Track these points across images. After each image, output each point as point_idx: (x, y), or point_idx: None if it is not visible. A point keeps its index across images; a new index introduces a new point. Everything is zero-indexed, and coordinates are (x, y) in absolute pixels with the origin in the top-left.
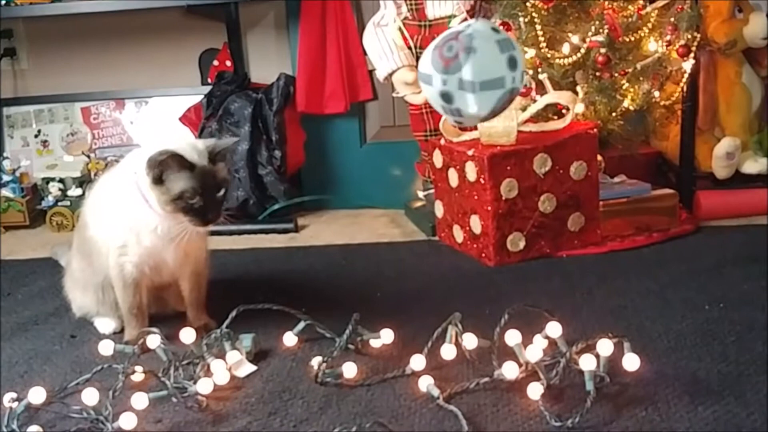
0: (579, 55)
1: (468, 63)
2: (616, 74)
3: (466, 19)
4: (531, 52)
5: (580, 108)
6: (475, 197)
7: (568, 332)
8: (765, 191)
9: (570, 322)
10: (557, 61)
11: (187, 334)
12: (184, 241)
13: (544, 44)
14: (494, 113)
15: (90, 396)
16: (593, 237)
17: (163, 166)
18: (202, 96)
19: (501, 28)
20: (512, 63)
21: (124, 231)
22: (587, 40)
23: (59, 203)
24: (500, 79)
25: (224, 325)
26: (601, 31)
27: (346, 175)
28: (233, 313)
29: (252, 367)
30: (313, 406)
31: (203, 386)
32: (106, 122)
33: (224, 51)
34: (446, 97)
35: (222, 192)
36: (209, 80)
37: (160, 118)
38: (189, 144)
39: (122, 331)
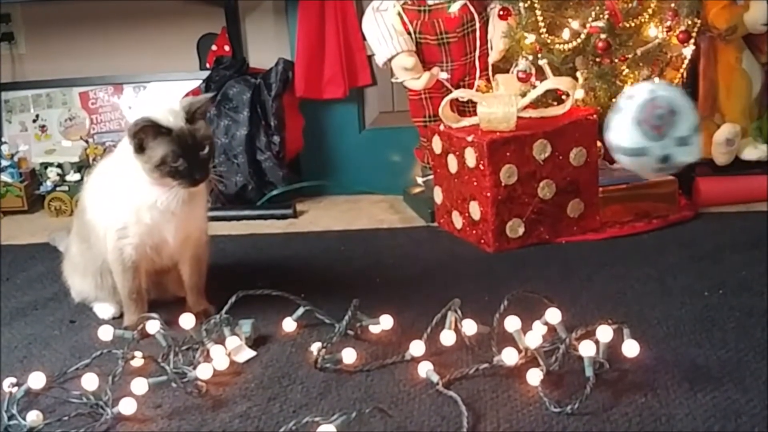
0: (579, 40)
1: (679, 121)
2: (616, 60)
3: (466, 5)
4: (531, 38)
5: (579, 94)
6: (475, 183)
7: (568, 318)
8: (764, 178)
9: (569, 309)
10: (557, 46)
11: (186, 319)
12: (190, 217)
13: (544, 30)
14: None
15: (89, 381)
16: (593, 223)
17: (140, 135)
18: (201, 81)
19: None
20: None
21: (124, 212)
22: (587, 25)
23: (58, 188)
24: (697, 124)
25: (224, 310)
26: (601, 16)
27: (345, 160)
28: (233, 299)
29: (251, 353)
30: (313, 392)
31: (203, 371)
32: (105, 107)
33: (222, 36)
34: (665, 159)
35: (206, 150)
36: (207, 65)
37: (158, 103)
38: (166, 109)
39: (121, 316)
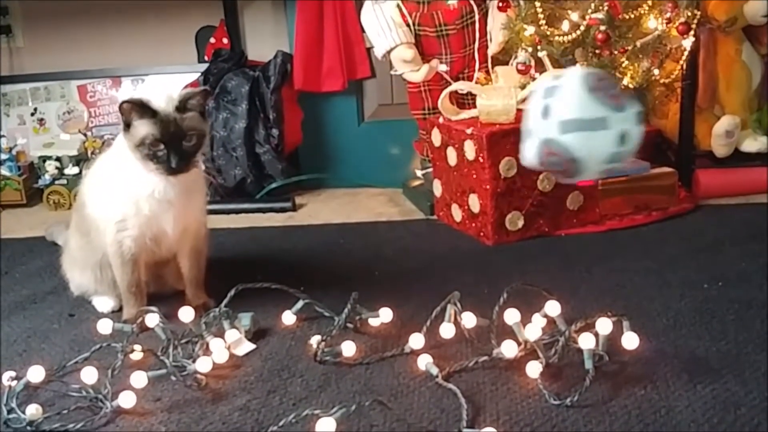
0: (578, 32)
1: (579, 171)
2: (616, 52)
3: None
4: (530, 30)
5: None
6: (474, 176)
7: (567, 311)
8: (764, 170)
9: (569, 301)
10: (557, 38)
11: (185, 312)
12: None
13: (544, 21)
14: None
15: (89, 375)
16: (592, 216)
17: (125, 112)
18: (199, 74)
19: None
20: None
21: (123, 204)
22: (587, 17)
23: (56, 182)
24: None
25: (223, 303)
26: (600, 8)
27: (344, 153)
28: (232, 292)
29: (251, 346)
30: (312, 385)
31: (202, 365)
32: (103, 100)
33: (221, 28)
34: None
35: (191, 142)
36: (206, 58)
37: (156, 96)
38: (165, 94)
39: (121, 309)
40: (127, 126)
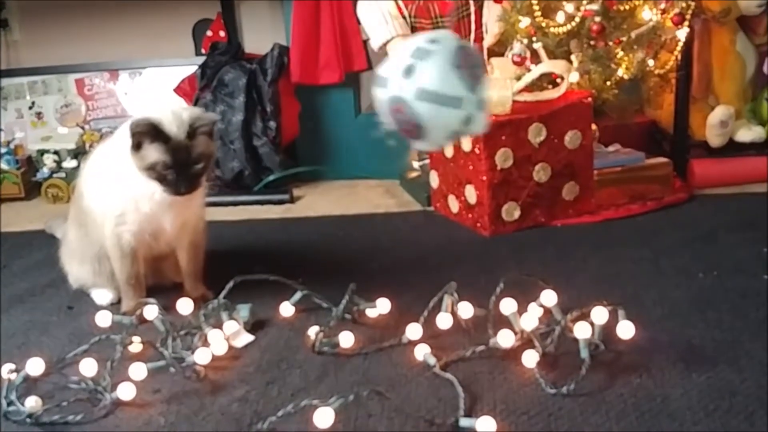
0: (573, 23)
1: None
2: (611, 43)
3: None
4: (525, 21)
5: (574, 77)
6: (470, 167)
7: (563, 300)
8: (758, 159)
9: (565, 291)
10: (552, 29)
11: (184, 304)
12: (187, 206)
13: (539, 13)
14: None
15: (88, 367)
16: (588, 206)
17: (139, 135)
18: (196, 67)
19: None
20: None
21: (122, 200)
22: (582, 8)
23: (54, 175)
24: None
25: (221, 295)
26: None
27: (341, 145)
28: (230, 284)
29: (249, 337)
30: (311, 375)
31: (201, 356)
32: (100, 93)
33: (218, 21)
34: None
35: (199, 166)
36: (203, 51)
37: (154, 89)
38: (174, 113)
39: (119, 302)
40: (137, 147)
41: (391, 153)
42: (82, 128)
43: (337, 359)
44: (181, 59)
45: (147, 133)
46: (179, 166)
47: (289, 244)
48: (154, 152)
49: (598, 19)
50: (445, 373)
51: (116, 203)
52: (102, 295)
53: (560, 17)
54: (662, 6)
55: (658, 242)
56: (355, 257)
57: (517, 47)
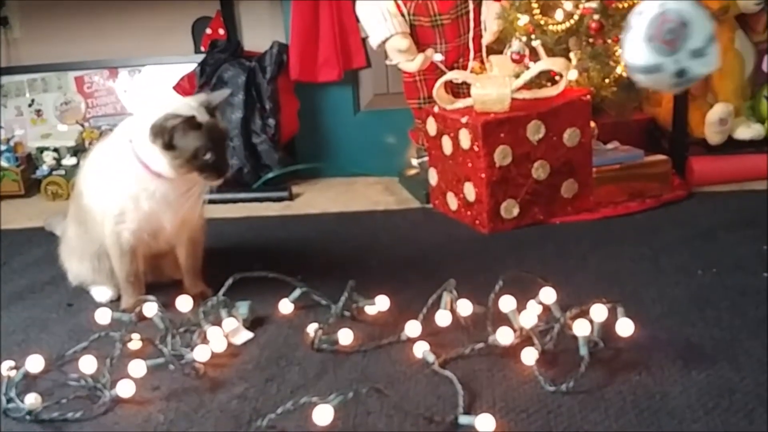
0: (572, 21)
1: (691, 33)
2: (610, 40)
3: None
4: (524, 19)
5: (573, 75)
6: (469, 164)
7: (562, 298)
8: (757, 157)
9: (564, 288)
10: (550, 27)
11: (183, 301)
12: (186, 204)
13: (537, 11)
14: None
15: (88, 364)
16: (586, 203)
17: (171, 131)
18: (196, 64)
19: None
20: (708, 15)
21: (122, 198)
22: (580, 6)
23: (54, 172)
24: (712, 33)
25: (221, 292)
26: None
27: (340, 143)
28: (229, 281)
29: (249, 334)
30: (310, 373)
31: (200, 353)
32: (100, 91)
33: (217, 19)
34: (681, 73)
35: (229, 141)
36: (202, 48)
37: (153, 86)
38: (184, 104)
39: (119, 299)
40: (169, 145)
41: (390, 150)
42: (82, 126)
43: (336, 356)
44: (180, 57)
45: (177, 126)
46: (216, 146)
47: (288, 241)
48: (192, 141)
49: (596, 16)
50: (444, 371)
51: (115, 201)
52: (101, 293)
53: (559, 15)
54: None
55: (657, 240)
56: (354, 254)
57: (515, 45)
